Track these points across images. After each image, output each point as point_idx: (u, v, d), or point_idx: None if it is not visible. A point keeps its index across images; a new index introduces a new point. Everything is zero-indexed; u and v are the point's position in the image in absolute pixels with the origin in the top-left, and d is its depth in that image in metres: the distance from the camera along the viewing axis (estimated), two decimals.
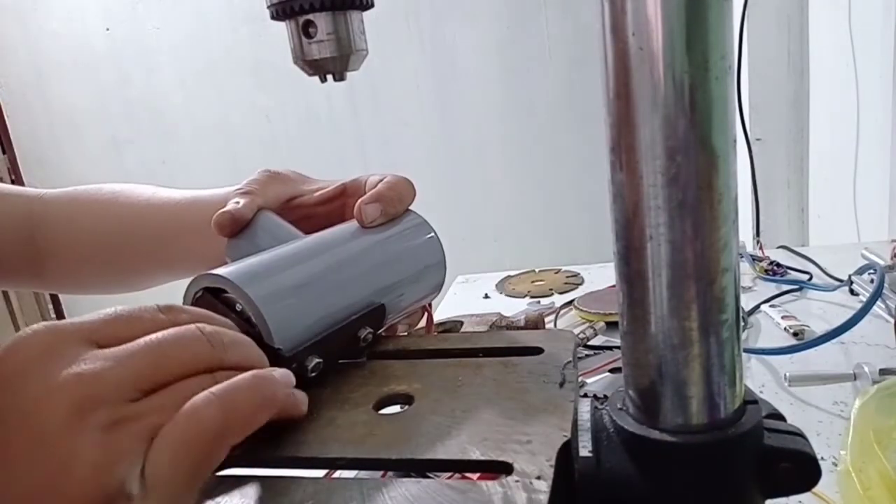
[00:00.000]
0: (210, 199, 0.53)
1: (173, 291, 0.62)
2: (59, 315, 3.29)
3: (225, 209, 0.45)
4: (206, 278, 0.36)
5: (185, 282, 0.43)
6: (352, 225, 0.45)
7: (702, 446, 0.30)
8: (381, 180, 0.47)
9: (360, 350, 0.41)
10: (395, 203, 0.46)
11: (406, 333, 0.49)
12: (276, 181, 0.50)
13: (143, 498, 0.25)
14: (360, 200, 0.45)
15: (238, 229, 0.45)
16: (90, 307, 0.30)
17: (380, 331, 0.42)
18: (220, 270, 0.36)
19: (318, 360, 0.36)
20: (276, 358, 0.34)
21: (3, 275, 0.58)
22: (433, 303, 0.49)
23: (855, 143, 1.30)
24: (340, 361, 0.40)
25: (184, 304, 0.37)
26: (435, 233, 0.47)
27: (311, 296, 0.38)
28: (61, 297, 3.14)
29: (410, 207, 0.47)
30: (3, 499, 0.24)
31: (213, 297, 0.36)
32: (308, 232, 0.45)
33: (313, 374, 0.36)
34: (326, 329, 0.38)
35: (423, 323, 0.49)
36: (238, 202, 0.46)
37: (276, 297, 0.36)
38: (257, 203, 0.46)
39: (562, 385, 0.35)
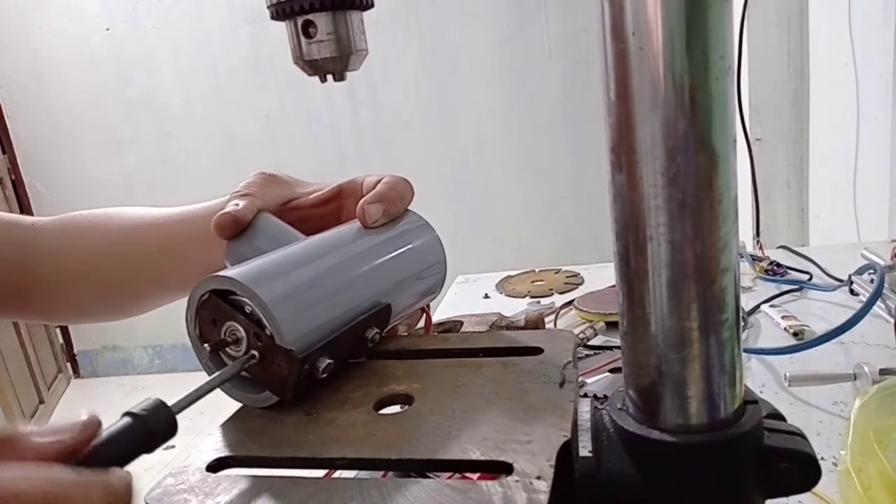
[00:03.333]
0: (202, 211, 0.52)
1: (168, 317, 0.61)
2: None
3: (225, 210, 0.45)
4: (214, 280, 0.36)
5: (182, 304, 0.42)
6: (353, 226, 0.44)
7: (702, 446, 0.30)
8: (378, 181, 0.47)
9: (367, 350, 0.41)
10: (397, 203, 0.45)
11: (406, 334, 0.49)
12: (272, 183, 0.49)
13: None
14: (362, 201, 0.44)
15: (239, 231, 0.45)
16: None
17: (385, 331, 0.43)
18: (229, 272, 0.36)
19: (329, 360, 0.36)
20: (288, 359, 0.34)
21: None
22: (433, 303, 0.49)
23: (855, 143, 1.30)
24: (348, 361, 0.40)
25: (189, 307, 0.37)
26: (435, 232, 0.47)
27: (321, 296, 0.38)
28: None
29: (409, 207, 0.47)
30: None
31: (219, 300, 0.36)
32: (305, 234, 0.45)
33: (324, 376, 0.36)
34: (336, 329, 0.38)
35: (421, 323, 0.49)
36: (238, 204, 0.45)
37: (287, 298, 0.36)
38: (256, 205, 0.46)
39: (562, 385, 0.35)
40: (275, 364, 0.35)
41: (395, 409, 0.35)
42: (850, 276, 0.86)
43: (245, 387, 0.37)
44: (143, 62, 2.91)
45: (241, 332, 0.35)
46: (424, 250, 0.46)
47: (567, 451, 0.30)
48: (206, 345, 0.36)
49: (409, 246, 0.45)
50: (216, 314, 0.36)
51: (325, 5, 0.40)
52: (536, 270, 1.12)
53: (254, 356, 0.35)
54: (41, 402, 2.91)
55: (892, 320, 0.72)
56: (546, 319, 0.86)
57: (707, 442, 0.30)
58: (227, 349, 0.36)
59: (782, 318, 0.79)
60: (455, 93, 2.69)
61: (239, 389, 0.37)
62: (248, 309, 0.35)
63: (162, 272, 0.55)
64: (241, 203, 0.45)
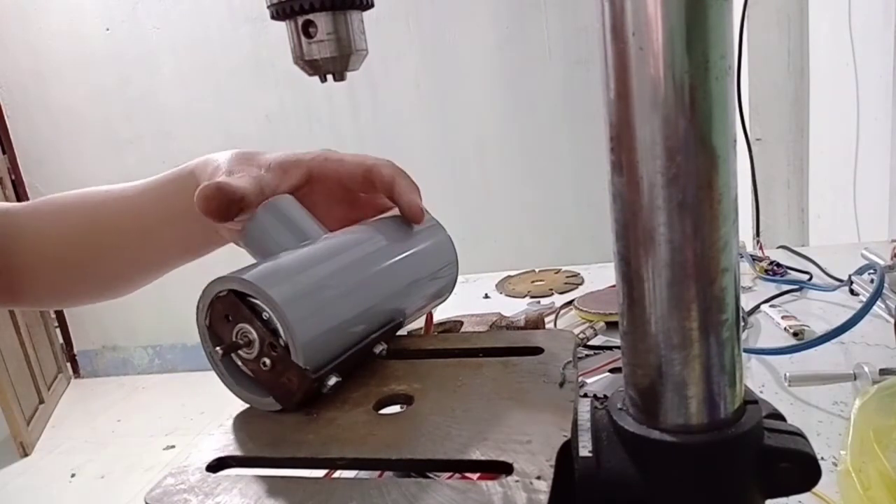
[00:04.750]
0: (164, 181, 0.51)
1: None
2: (59, 315, 3.29)
3: (213, 182, 0.41)
4: (237, 282, 0.35)
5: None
6: (376, 231, 0.44)
7: (702, 446, 0.30)
8: (367, 167, 0.47)
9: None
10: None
11: (406, 334, 0.49)
12: (249, 163, 0.48)
13: None
14: (409, 200, 0.45)
15: (231, 209, 0.41)
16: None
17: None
18: (270, 290, 0.34)
19: (337, 379, 0.36)
20: (300, 377, 0.34)
21: None
22: None
23: (855, 143, 1.30)
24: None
25: (202, 297, 0.36)
26: (446, 231, 0.47)
27: (346, 324, 0.38)
28: None
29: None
30: None
31: (237, 300, 0.35)
32: None
33: (329, 393, 0.36)
34: (349, 349, 0.38)
35: (421, 323, 0.49)
36: (230, 178, 0.43)
37: (316, 325, 0.36)
38: (256, 180, 0.44)
39: (562, 385, 0.35)
40: (285, 376, 0.35)
41: (395, 409, 0.35)
42: (850, 276, 0.86)
43: (251, 387, 0.37)
44: (143, 62, 2.91)
45: (254, 336, 0.35)
46: (442, 254, 0.47)
47: (567, 451, 0.30)
48: (217, 348, 0.36)
49: (430, 254, 0.46)
50: (231, 312, 0.36)
51: (325, 5, 0.40)
52: (536, 270, 1.12)
53: (264, 364, 0.35)
54: (41, 402, 2.92)
55: (892, 320, 0.72)
56: (546, 319, 0.86)
57: (707, 442, 0.29)
58: (239, 352, 0.36)
59: (782, 318, 0.79)
60: (455, 93, 2.69)
61: (244, 388, 0.37)
62: (266, 316, 0.35)
63: (134, 251, 0.54)
64: (235, 179, 0.42)
